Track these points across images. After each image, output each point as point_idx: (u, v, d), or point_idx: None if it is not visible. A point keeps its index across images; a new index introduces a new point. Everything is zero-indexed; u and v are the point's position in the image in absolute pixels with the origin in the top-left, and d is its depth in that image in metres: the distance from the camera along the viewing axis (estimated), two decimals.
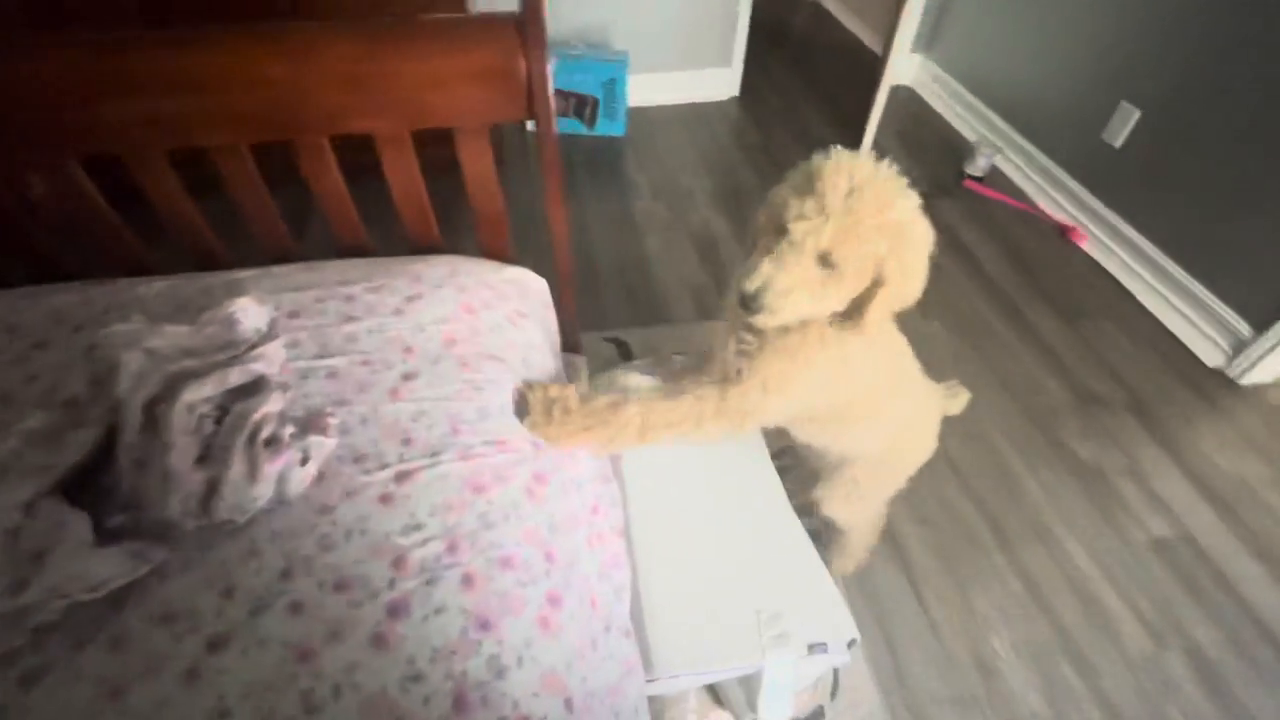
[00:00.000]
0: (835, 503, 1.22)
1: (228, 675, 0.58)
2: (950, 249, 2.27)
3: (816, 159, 0.70)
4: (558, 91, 2.71)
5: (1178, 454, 1.69)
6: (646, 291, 2.11)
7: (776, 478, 1.30)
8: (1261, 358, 1.79)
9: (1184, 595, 1.42)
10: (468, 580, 0.65)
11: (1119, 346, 1.95)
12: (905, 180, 0.72)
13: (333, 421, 0.76)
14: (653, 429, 0.87)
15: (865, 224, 0.67)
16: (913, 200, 0.71)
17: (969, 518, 1.55)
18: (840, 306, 0.77)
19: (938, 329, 1.99)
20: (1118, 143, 2.13)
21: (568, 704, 0.62)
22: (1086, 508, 1.57)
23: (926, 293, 0.73)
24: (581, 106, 2.74)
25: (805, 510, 1.55)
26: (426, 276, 0.97)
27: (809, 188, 0.68)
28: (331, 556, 0.65)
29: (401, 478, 0.72)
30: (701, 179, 2.58)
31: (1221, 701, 1.27)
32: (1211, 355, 1.90)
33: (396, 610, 0.62)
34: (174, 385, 0.69)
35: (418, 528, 0.68)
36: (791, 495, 1.21)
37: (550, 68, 0.95)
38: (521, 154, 2.58)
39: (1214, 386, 1.85)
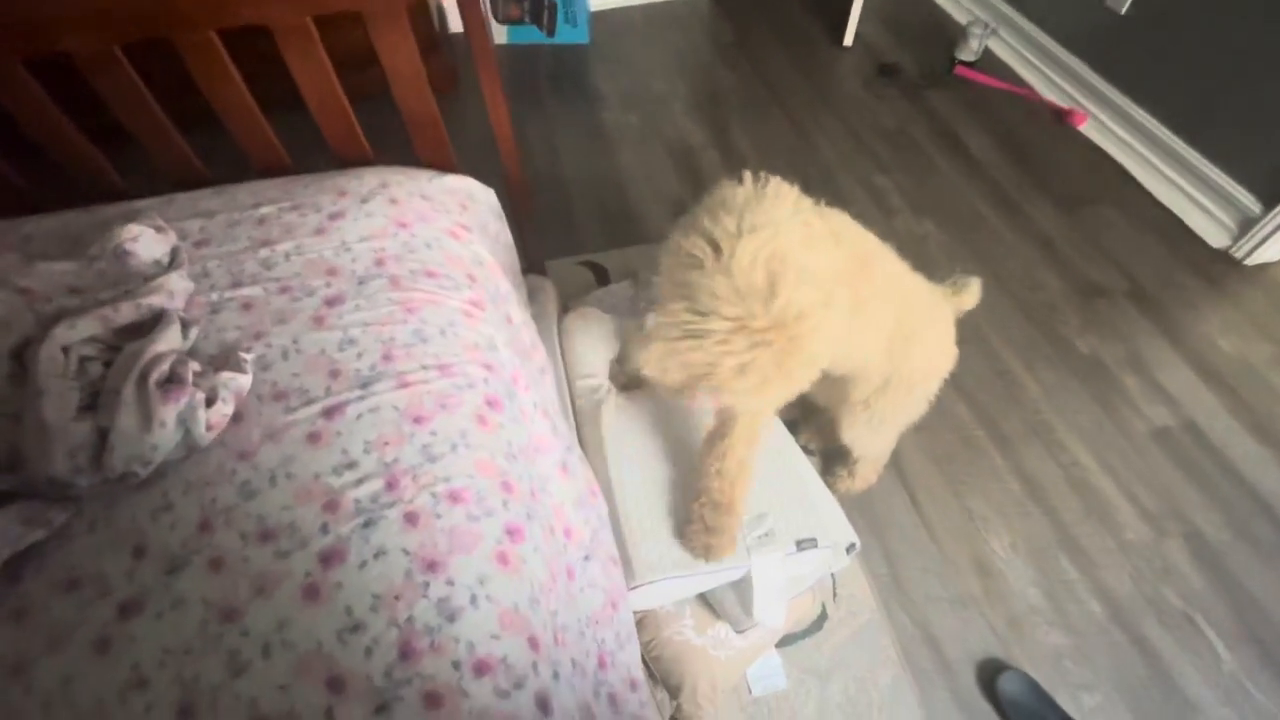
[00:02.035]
0: (857, 431, 1.15)
1: (142, 642, 0.51)
2: (942, 142, 2.12)
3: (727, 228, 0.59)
4: None
5: (1180, 340, 1.62)
6: (622, 210, 1.98)
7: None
8: (1270, 235, 1.69)
9: (1185, 482, 1.39)
10: (410, 519, 0.58)
11: (1119, 233, 1.85)
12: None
13: (248, 357, 0.67)
14: None
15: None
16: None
17: (965, 421, 1.50)
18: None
19: (930, 229, 1.87)
20: (1122, 9, 1.95)
21: (532, 642, 0.56)
22: (1086, 402, 1.52)
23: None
24: (538, 10, 2.50)
25: (795, 428, 1.50)
26: (352, 190, 0.85)
27: (721, 268, 0.58)
28: (255, 505, 0.58)
29: (330, 413, 0.64)
30: (675, 84, 2.38)
31: (1220, 582, 1.26)
32: (1217, 236, 1.80)
33: (330, 558, 0.55)
34: (49, 327, 0.59)
35: (351, 466, 0.60)
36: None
37: None
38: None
39: (1219, 269, 1.77)
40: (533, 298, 1.16)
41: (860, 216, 0.80)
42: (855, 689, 1.18)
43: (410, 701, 0.49)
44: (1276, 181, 1.65)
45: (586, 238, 1.90)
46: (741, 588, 1.04)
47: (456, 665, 0.51)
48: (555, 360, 1.08)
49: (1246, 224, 1.73)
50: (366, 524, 0.57)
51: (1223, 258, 1.79)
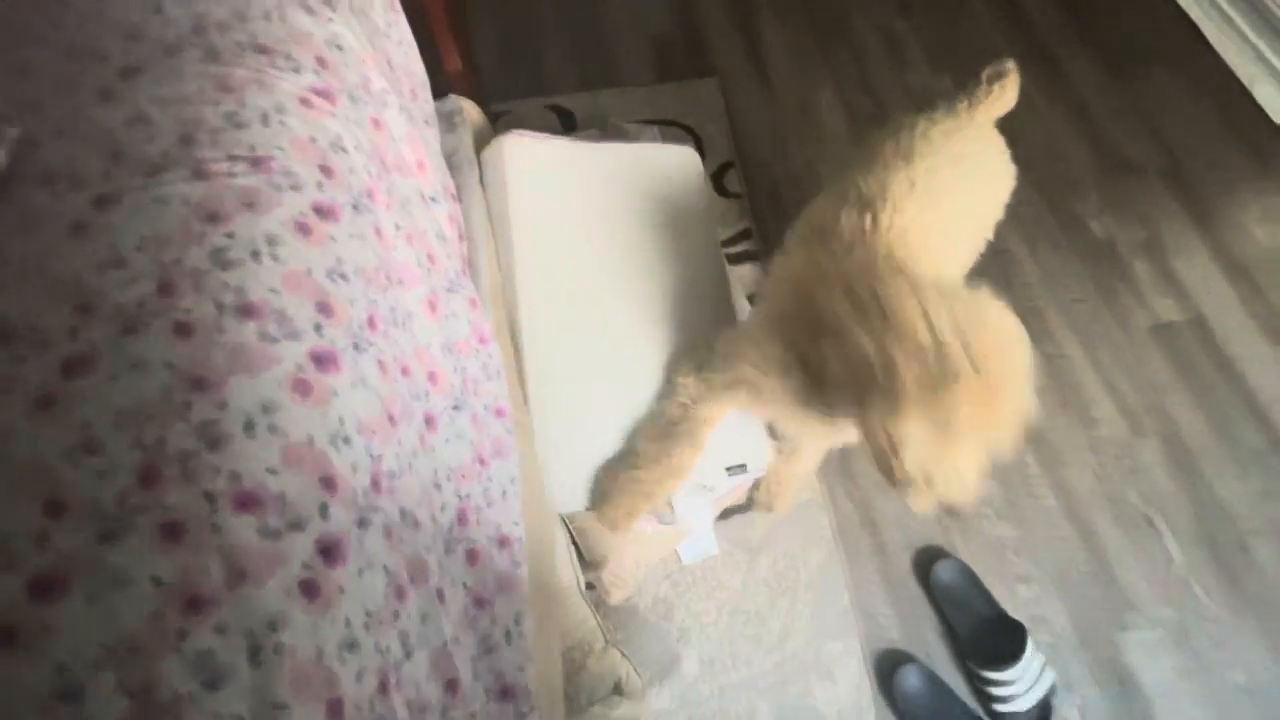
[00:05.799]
0: None
1: None
2: None
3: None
4: None
5: (1209, 225, 1.43)
6: (598, 48, 1.73)
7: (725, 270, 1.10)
8: None
9: (1176, 380, 1.27)
10: (183, 330, 0.47)
11: (1168, 101, 1.59)
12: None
13: (11, 132, 0.54)
14: None
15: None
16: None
17: None
18: None
19: (947, 86, 1.62)
20: None
21: (326, 482, 0.47)
22: (1088, 289, 1.37)
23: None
24: None
25: None
26: None
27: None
28: None
29: (103, 202, 0.52)
30: None
31: (1190, 484, 1.18)
32: None
33: (73, 367, 0.45)
34: None
35: (119, 265, 0.49)
36: None
37: None
38: None
39: (1276, 147, 1.53)
40: (448, 122, 0.99)
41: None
42: (784, 565, 1.15)
43: (144, 531, 0.41)
44: None
45: (556, 77, 1.68)
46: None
47: (210, 497, 0.43)
48: (471, 194, 0.94)
49: None
50: (126, 331, 0.47)
51: None
